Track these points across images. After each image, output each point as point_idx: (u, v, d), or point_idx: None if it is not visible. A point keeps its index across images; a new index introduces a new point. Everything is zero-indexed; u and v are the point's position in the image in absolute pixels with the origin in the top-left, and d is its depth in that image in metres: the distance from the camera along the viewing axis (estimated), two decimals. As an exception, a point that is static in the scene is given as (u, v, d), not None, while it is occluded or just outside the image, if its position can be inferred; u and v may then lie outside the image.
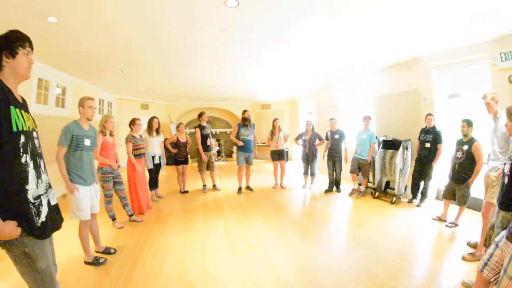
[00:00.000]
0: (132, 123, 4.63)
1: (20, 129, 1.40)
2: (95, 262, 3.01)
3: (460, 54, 4.55)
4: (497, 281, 1.61)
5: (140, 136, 4.79)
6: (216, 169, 6.71)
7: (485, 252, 1.84)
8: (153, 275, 2.84)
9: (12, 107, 1.37)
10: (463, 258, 2.90)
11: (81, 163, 2.81)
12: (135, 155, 4.59)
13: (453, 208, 4.00)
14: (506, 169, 2.01)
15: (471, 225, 3.85)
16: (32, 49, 1.55)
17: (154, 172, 5.54)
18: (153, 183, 5.64)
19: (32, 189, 1.45)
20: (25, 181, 1.42)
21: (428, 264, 3.00)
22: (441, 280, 2.62)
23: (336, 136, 6.10)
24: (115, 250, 3.35)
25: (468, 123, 3.63)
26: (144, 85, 7.88)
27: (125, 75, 6.21)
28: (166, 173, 8.45)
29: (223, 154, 12.58)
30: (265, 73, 6.42)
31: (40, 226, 1.47)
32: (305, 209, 5.27)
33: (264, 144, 11.50)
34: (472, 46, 4.32)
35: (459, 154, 3.70)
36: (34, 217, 1.44)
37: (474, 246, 3.18)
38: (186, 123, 12.57)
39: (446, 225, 3.92)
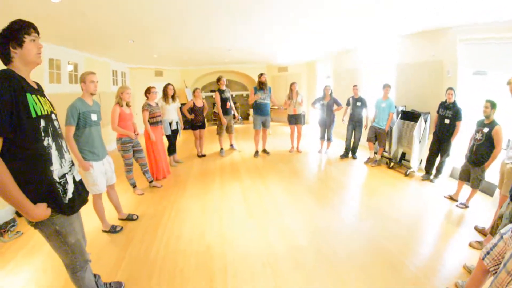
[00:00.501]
0: (148, 91, 4.66)
1: (39, 114, 1.45)
2: (112, 230, 3.23)
3: (493, 30, 4.07)
4: (496, 272, 1.62)
5: (156, 104, 4.84)
6: (233, 131, 6.86)
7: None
8: (174, 239, 3.08)
9: (28, 94, 1.42)
10: (470, 245, 2.87)
11: (92, 138, 2.82)
12: (151, 123, 4.68)
13: (467, 189, 3.89)
14: None
15: (482, 209, 3.75)
16: (38, 34, 1.54)
17: (172, 138, 5.69)
18: (171, 149, 5.82)
19: (57, 169, 1.54)
20: (50, 162, 1.51)
21: (434, 242, 3.03)
22: (445, 260, 2.66)
23: (358, 103, 5.97)
24: (137, 216, 3.57)
25: (492, 105, 3.38)
26: (156, 53, 7.76)
27: (136, 44, 6.08)
28: (183, 137, 8.59)
29: (240, 117, 12.59)
30: (283, 35, 6.13)
31: (67, 203, 1.58)
32: (320, 174, 5.35)
33: (281, 106, 11.37)
34: (509, 22, 3.83)
35: (479, 136, 3.50)
36: (62, 195, 1.55)
37: (481, 231, 3.13)
38: (202, 86, 12.48)
39: (457, 205, 3.84)
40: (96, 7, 3.51)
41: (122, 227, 3.30)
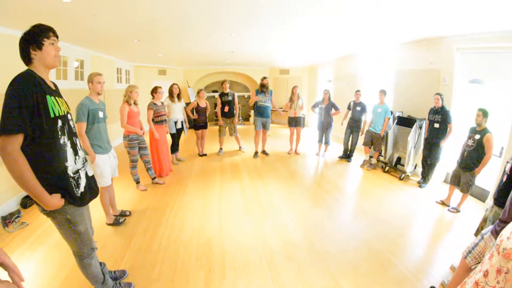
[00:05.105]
0: (154, 91, 4.82)
1: (57, 114, 1.60)
2: (116, 223, 3.40)
3: (489, 40, 4.19)
4: None
5: (162, 103, 5.01)
6: (237, 133, 6.96)
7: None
8: (176, 232, 3.26)
9: (47, 96, 1.55)
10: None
11: (100, 134, 3.04)
12: (156, 122, 4.85)
13: (458, 193, 3.97)
14: (507, 168, 2.10)
15: (472, 213, 3.84)
16: (57, 37, 1.65)
17: (176, 136, 5.87)
18: (174, 147, 5.99)
19: (71, 165, 1.69)
20: (65, 159, 1.65)
21: (424, 244, 3.15)
22: (433, 260, 2.81)
23: (358, 108, 6.15)
24: (130, 212, 3.70)
25: (484, 113, 3.49)
26: (161, 52, 7.93)
27: (142, 44, 6.25)
28: (184, 136, 8.72)
29: (240, 118, 12.75)
30: (286, 41, 6.29)
31: (79, 196, 1.73)
32: (317, 176, 5.53)
33: (281, 109, 11.53)
34: (503, 32, 3.95)
35: (470, 142, 3.64)
36: (74, 189, 1.70)
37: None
38: (204, 87, 12.66)
39: (448, 210, 3.95)
40: (105, 8, 3.62)
41: (125, 219, 3.47)
